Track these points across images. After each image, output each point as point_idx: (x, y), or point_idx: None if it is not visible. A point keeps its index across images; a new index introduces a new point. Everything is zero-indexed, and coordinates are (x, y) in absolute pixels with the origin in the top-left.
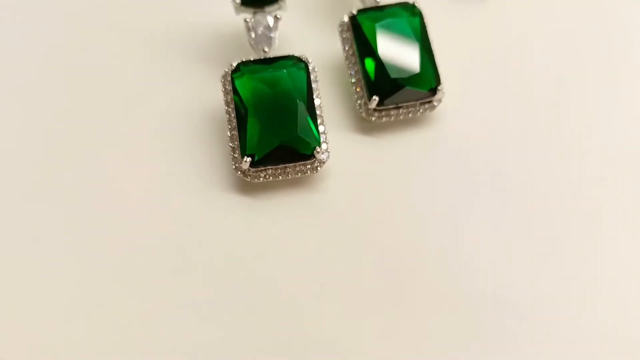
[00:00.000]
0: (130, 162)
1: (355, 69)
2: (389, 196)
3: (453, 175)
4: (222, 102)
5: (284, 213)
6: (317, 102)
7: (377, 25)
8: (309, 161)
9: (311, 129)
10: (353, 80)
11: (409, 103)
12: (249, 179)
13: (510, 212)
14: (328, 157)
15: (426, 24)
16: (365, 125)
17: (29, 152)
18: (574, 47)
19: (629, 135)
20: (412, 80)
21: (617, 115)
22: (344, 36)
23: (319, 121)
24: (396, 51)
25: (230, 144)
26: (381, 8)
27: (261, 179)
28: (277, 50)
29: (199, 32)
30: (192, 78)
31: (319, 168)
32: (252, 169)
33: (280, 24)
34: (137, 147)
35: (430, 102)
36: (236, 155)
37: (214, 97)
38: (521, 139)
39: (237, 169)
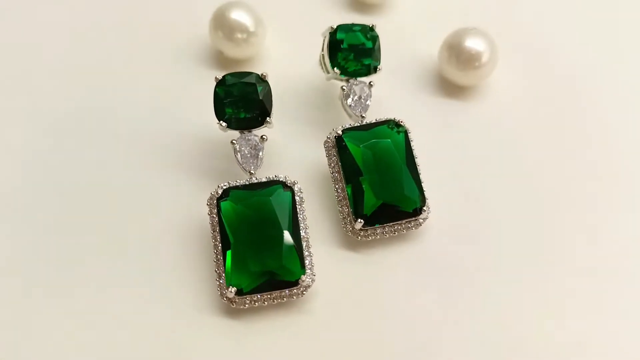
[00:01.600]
0: (117, 281)
1: (341, 186)
2: (376, 315)
3: (441, 292)
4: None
5: (271, 336)
6: (302, 225)
7: (362, 146)
8: (294, 288)
9: (296, 257)
10: (339, 198)
11: (395, 222)
12: (234, 306)
13: (500, 332)
14: (313, 280)
15: (411, 140)
16: (352, 240)
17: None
18: (558, 156)
19: (618, 253)
20: (396, 202)
21: (604, 232)
22: (329, 153)
23: (304, 245)
24: (381, 173)
25: (216, 269)
26: (366, 127)
27: (247, 305)
28: (265, 161)
29: (194, 144)
30: (184, 191)
31: (304, 293)
32: (237, 297)
33: (274, 133)
34: (125, 265)
35: (415, 219)
36: (221, 282)
37: (205, 213)
38: (507, 253)
39: (222, 295)
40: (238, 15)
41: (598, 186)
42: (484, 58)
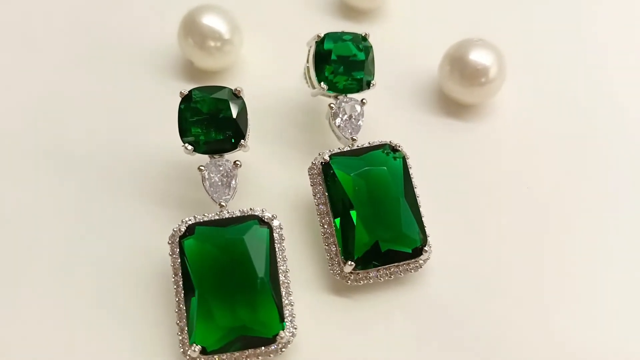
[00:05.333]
0: (70, 324)
1: (328, 221)
2: None
3: (442, 345)
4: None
5: None
6: (281, 268)
7: (352, 175)
8: (271, 345)
9: (273, 308)
10: (325, 235)
11: (391, 264)
12: None
13: None
14: (294, 335)
15: (409, 167)
16: (341, 284)
17: None
18: (572, 183)
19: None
20: (392, 241)
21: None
22: (314, 181)
23: (283, 292)
24: (374, 207)
25: (177, 322)
26: (358, 152)
27: None
28: (241, 190)
29: (159, 167)
30: (144, 224)
31: (283, 350)
32: (202, 356)
33: (251, 155)
34: (76, 309)
35: (415, 261)
36: (183, 338)
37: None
38: (518, 299)
39: (184, 353)
40: (211, 21)
41: (614, 218)
42: (491, 73)
